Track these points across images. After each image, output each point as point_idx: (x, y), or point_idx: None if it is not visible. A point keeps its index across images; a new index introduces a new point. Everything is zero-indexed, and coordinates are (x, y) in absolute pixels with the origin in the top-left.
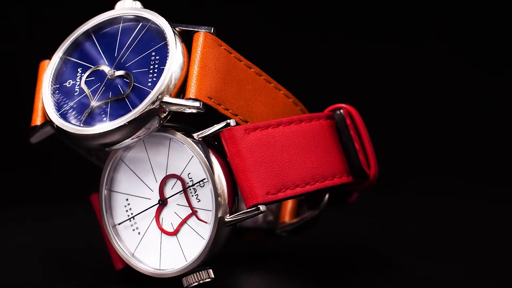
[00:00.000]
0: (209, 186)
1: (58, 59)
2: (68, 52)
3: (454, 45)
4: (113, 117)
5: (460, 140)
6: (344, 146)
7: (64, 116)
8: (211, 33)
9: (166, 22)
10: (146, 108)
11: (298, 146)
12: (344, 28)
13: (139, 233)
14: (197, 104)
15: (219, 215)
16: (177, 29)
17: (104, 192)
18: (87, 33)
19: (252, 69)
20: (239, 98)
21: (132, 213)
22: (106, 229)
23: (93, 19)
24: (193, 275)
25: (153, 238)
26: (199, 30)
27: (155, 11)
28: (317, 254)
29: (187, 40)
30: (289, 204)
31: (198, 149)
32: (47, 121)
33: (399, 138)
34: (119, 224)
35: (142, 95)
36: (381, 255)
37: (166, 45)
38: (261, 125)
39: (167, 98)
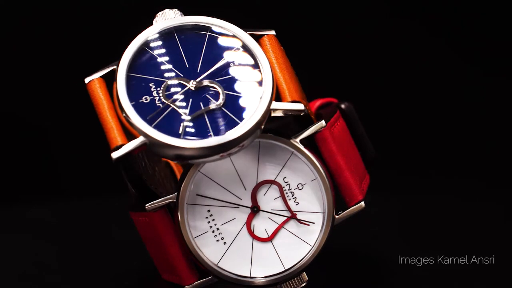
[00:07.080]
0: (312, 187)
1: (124, 77)
2: (129, 69)
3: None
4: (218, 129)
5: (451, 138)
6: (357, 139)
7: (159, 130)
8: (274, 35)
9: (237, 27)
10: (261, 114)
11: (349, 141)
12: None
13: (224, 243)
14: (301, 106)
15: (331, 216)
16: (247, 33)
17: (185, 205)
18: (141, 49)
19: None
20: (304, 99)
21: (215, 224)
22: (189, 242)
23: (141, 34)
24: (290, 282)
25: (243, 246)
26: (264, 33)
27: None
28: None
29: None
30: None
31: (304, 150)
32: (135, 138)
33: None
34: (200, 235)
35: (240, 103)
36: (380, 254)
37: (242, 50)
38: (329, 124)
39: (275, 104)
